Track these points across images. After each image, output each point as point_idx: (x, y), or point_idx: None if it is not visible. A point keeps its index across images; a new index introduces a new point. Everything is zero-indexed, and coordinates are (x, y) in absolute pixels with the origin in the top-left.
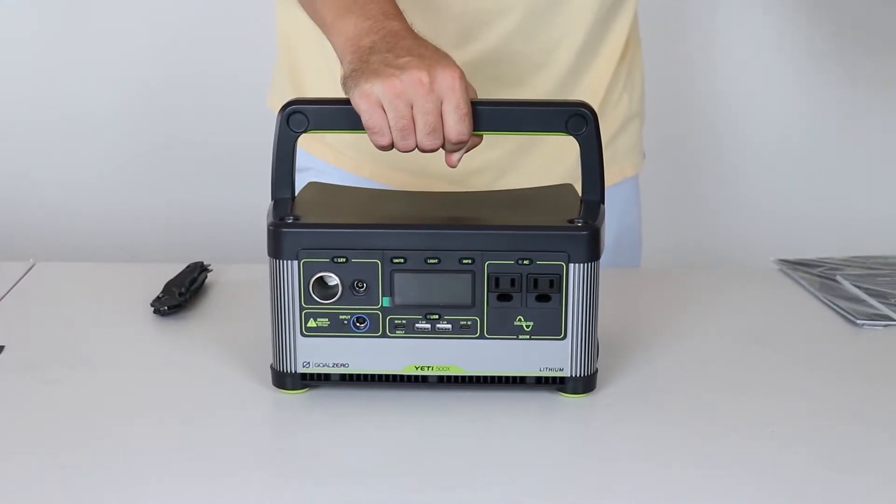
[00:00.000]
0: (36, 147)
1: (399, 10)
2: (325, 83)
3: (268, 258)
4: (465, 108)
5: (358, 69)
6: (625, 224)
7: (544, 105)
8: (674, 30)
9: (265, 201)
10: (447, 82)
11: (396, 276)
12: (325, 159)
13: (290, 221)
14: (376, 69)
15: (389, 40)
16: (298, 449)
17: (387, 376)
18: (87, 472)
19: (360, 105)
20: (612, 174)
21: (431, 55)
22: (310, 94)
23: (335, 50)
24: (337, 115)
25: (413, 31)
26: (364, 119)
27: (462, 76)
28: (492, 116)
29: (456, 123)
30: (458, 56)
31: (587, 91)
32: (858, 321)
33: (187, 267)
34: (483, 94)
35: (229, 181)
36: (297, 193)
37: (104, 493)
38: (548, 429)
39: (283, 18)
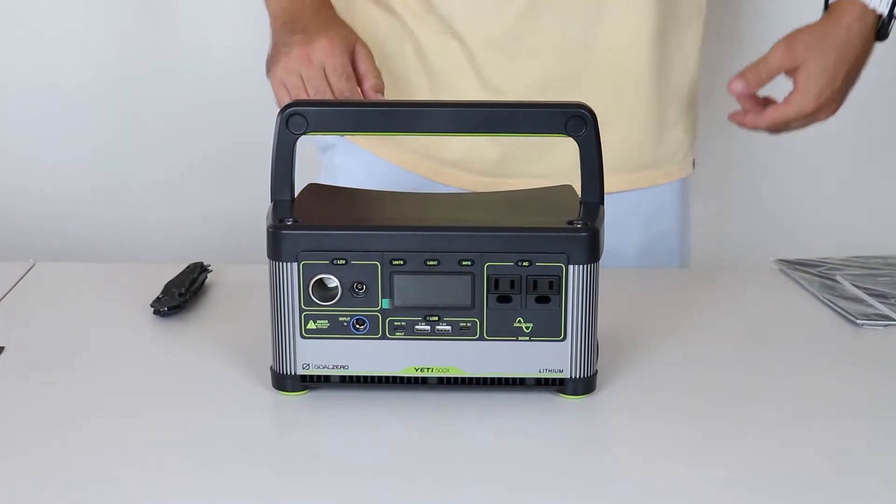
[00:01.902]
0: (36, 147)
1: None
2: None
3: (267, 260)
4: (339, 69)
5: (270, 54)
6: (657, 230)
7: (543, 106)
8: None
9: (265, 202)
10: (322, 51)
11: (396, 277)
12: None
13: (289, 223)
14: (276, 52)
15: (292, 21)
16: (298, 450)
17: (386, 378)
18: (86, 473)
19: (272, 86)
20: (639, 178)
21: (317, 29)
22: None
23: None
24: (336, 116)
25: (315, 4)
26: (276, 98)
27: (335, 43)
28: (490, 118)
29: (336, 82)
30: None
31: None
32: (858, 321)
33: (187, 267)
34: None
35: (229, 181)
36: (296, 195)
37: (104, 493)
38: (548, 430)
39: None
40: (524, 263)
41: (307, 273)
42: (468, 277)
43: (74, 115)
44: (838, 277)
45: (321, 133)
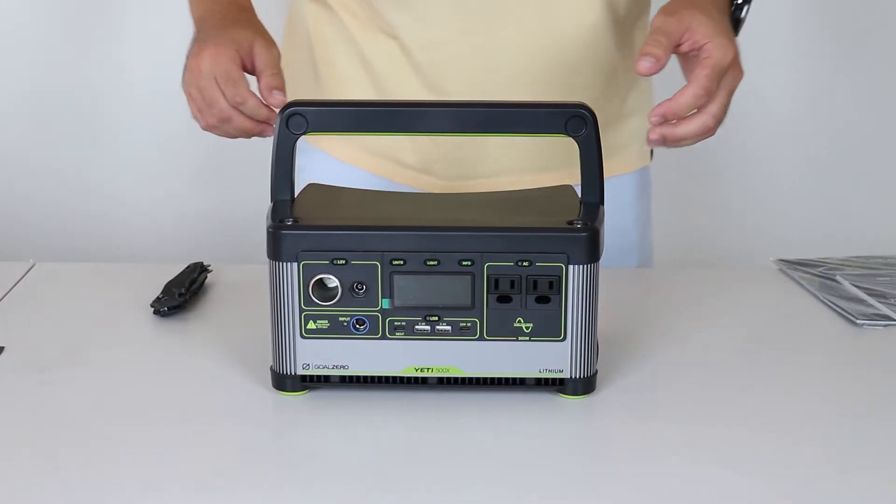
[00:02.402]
0: (36, 147)
1: None
2: (358, 85)
3: (267, 260)
4: (224, 76)
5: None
6: (611, 225)
7: (543, 107)
8: None
9: (265, 202)
10: (209, 60)
11: (396, 277)
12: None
13: (289, 223)
14: (186, 64)
15: (198, 28)
16: (298, 451)
17: (386, 378)
18: (86, 473)
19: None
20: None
21: (211, 36)
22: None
23: None
24: (336, 116)
25: (219, 7)
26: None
27: (220, 51)
28: (490, 118)
29: (227, 90)
30: None
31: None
32: (858, 321)
33: (187, 267)
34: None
35: (229, 181)
36: (296, 195)
37: (104, 493)
38: (548, 430)
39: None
40: (524, 263)
41: (307, 273)
42: (468, 277)
43: (75, 115)
44: (838, 277)
45: (322, 133)
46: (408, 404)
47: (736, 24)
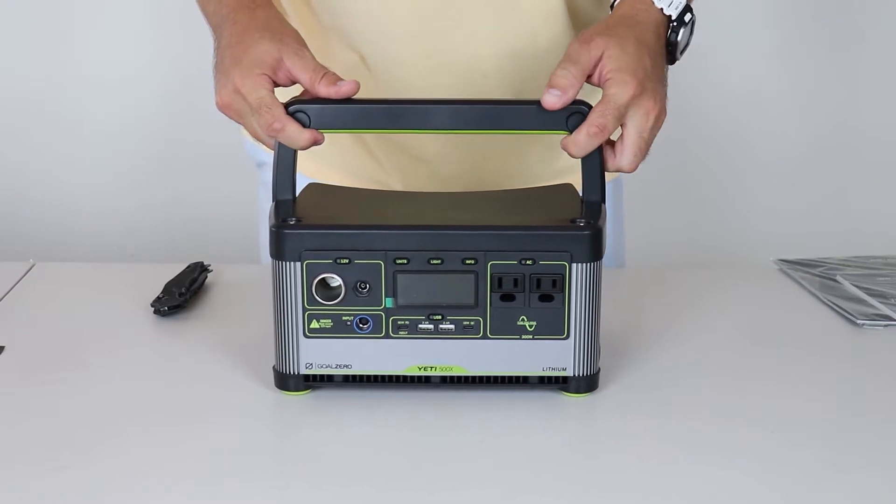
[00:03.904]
0: (36, 148)
1: None
2: None
3: (270, 259)
4: (256, 105)
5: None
6: None
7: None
8: None
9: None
10: (234, 96)
11: (399, 276)
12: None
13: (292, 223)
14: (216, 80)
15: (217, 38)
16: (301, 450)
17: (390, 377)
18: (87, 473)
19: None
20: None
21: (231, 63)
22: None
23: None
24: (339, 114)
25: (238, 17)
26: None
27: (245, 83)
28: (491, 115)
29: (263, 118)
30: None
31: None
32: (858, 321)
33: (187, 267)
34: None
35: (229, 181)
36: (297, 194)
37: (104, 493)
38: (551, 428)
39: None
40: (527, 262)
41: (310, 272)
42: (472, 276)
43: (74, 115)
44: (838, 277)
45: (324, 131)
46: (411, 403)
47: (671, 48)
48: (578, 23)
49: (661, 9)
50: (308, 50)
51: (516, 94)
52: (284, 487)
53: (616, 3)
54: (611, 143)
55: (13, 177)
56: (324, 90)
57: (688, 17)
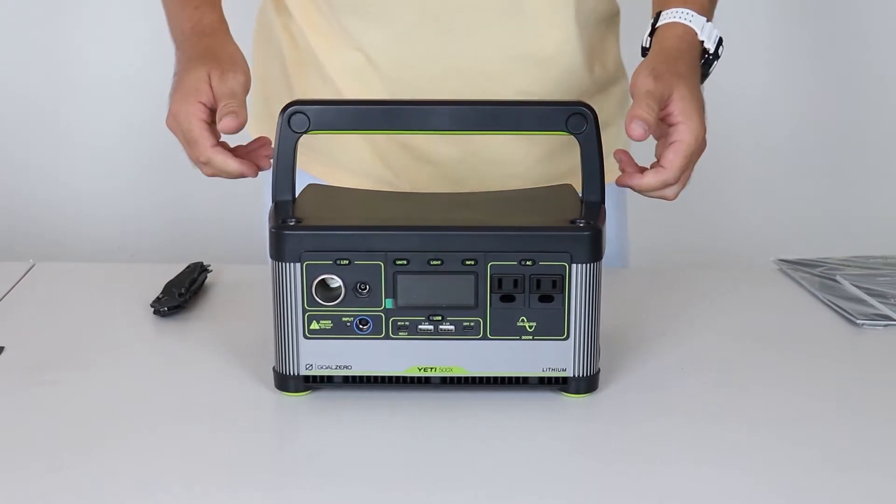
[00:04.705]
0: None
1: None
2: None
3: (269, 260)
4: (185, 138)
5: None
6: None
7: (544, 104)
8: None
9: (265, 202)
10: (173, 118)
11: (399, 277)
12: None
13: (292, 224)
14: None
15: (176, 60)
16: (301, 451)
17: (390, 378)
18: (87, 473)
19: None
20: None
21: (176, 89)
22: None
23: None
24: (339, 115)
25: (183, 37)
26: None
27: (180, 110)
28: (491, 116)
29: (190, 152)
30: None
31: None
32: (858, 321)
33: (187, 267)
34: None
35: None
36: (296, 195)
37: (104, 493)
38: (551, 429)
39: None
40: (527, 263)
41: (310, 273)
42: (471, 277)
43: (74, 115)
44: (838, 277)
45: (324, 132)
46: (411, 404)
47: (703, 78)
48: (583, 27)
49: (703, 41)
50: (235, 76)
51: (522, 96)
52: (284, 488)
53: (659, 24)
54: (639, 167)
55: (13, 177)
56: (217, 118)
57: (721, 50)
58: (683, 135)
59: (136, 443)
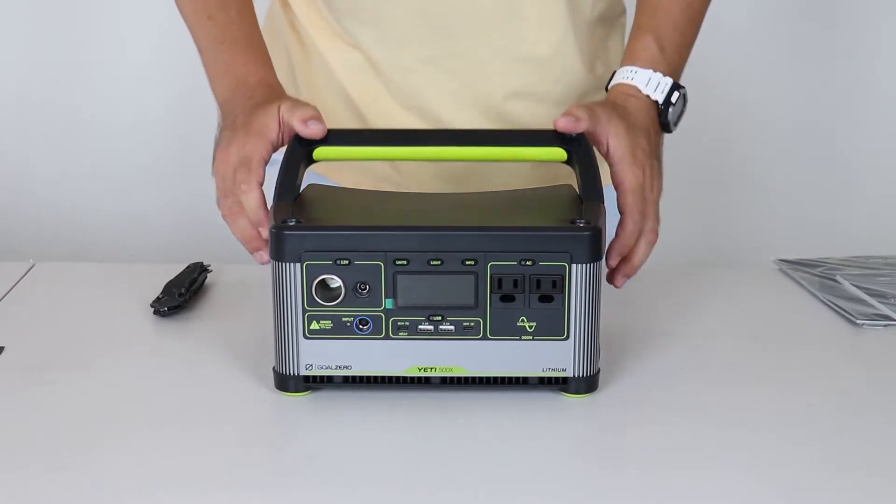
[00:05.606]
0: (36, 148)
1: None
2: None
3: (270, 260)
4: (243, 162)
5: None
6: None
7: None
8: None
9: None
10: (237, 149)
11: (399, 277)
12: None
13: (292, 224)
14: (214, 154)
15: (224, 115)
16: (301, 451)
17: (390, 378)
18: (87, 473)
19: None
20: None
21: (240, 128)
22: None
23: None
24: (351, 137)
25: (245, 90)
26: None
27: (249, 141)
28: (482, 137)
29: (239, 174)
30: None
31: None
32: (858, 321)
33: (187, 267)
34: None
35: None
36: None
37: (104, 493)
38: (551, 429)
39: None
40: (527, 263)
41: (310, 274)
42: (471, 277)
43: (75, 115)
44: (838, 277)
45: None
46: (411, 404)
47: (664, 127)
48: (580, 27)
49: (647, 95)
50: (305, 106)
51: (519, 97)
52: (284, 488)
53: (610, 87)
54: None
55: (14, 176)
56: (297, 122)
57: (675, 96)
58: (620, 176)
59: (136, 443)
